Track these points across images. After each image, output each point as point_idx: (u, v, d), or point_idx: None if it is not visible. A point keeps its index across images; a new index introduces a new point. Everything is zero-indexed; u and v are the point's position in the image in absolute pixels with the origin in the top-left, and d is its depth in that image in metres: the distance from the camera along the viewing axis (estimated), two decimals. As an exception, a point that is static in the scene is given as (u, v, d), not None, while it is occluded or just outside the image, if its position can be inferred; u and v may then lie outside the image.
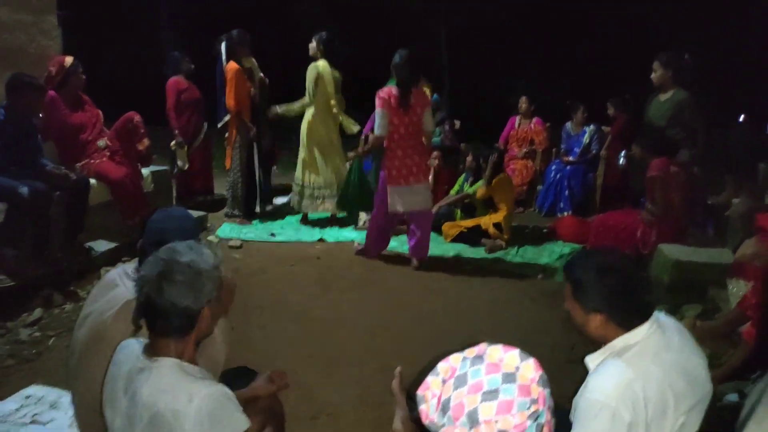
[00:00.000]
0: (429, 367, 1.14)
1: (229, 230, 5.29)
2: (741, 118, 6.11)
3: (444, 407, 1.04)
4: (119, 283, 1.82)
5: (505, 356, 1.07)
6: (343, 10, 13.08)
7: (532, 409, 1.01)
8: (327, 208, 5.54)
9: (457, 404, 1.03)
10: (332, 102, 5.25)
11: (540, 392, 1.03)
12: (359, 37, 6.15)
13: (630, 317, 1.51)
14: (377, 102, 4.25)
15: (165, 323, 1.39)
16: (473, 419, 1.00)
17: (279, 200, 6.69)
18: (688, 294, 3.64)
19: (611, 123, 6.46)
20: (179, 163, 5.68)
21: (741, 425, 1.24)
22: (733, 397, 2.37)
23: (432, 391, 1.09)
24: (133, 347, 1.46)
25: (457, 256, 4.87)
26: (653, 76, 4.67)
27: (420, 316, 3.67)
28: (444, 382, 1.08)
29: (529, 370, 1.05)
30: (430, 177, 6.08)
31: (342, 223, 5.64)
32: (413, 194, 4.40)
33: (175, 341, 1.41)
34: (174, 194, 5.77)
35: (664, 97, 4.65)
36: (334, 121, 5.38)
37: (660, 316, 1.56)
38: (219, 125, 5.76)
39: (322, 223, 5.62)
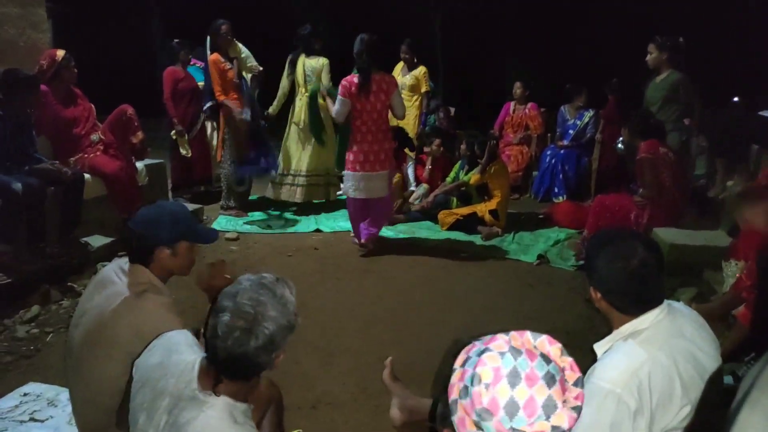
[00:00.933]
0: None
1: (225, 222, 5.29)
2: (734, 100, 6.11)
3: (511, 409, 0.98)
4: (115, 280, 1.81)
5: (523, 339, 1.06)
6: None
7: (572, 378, 1.02)
8: (297, 196, 5.68)
9: (527, 400, 0.98)
10: (302, 90, 5.52)
11: (568, 361, 1.04)
12: (352, 24, 6.12)
13: (628, 306, 1.51)
14: (340, 89, 4.32)
15: (237, 373, 1.34)
16: (550, 407, 0.98)
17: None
18: (684, 277, 3.66)
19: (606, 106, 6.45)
20: (182, 151, 5.70)
21: (736, 408, 1.24)
22: (727, 380, 2.38)
23: (480, 398, 1.00)
24: (186, 361, 1.39)
25: (454, 243, 4.88)
26: (648, 58, 4.77)
27: (417, 305, 3.68)
28: (489, 387, 1.00)
29: (545, 346, 1.05)
30: (428, 164, 6.08)
31: (337, 211, 5.63)
32: (369, 181, 4.41)
33: (237, 384, 1.35)
34: (170, 185, 5.77)
35: (660, 78, 4.78)
36: (307, 108, 5.46)
37: (673, 303, 1.56)
38: (203, 111, 5.78)
39: (317, 213, 5.62)
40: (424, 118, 6.45)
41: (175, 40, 5.91)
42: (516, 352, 1.02)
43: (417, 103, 6.31)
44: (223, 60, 5.20)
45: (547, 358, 1.03)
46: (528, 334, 1.08)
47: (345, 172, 4.50)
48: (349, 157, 4.42)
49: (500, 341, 1.05)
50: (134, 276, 1.81)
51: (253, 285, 1.35)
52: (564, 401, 0.99)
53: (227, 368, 1.32)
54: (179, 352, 1.42)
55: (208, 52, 5.32)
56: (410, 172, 6.13)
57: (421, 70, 6.31)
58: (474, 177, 5.20)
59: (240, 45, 5.50)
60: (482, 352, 1.05)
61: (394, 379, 1.70)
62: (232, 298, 1.32)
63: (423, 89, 6.30)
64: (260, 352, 1.30)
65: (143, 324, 1.69)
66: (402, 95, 6.39)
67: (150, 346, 1.50)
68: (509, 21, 12.48)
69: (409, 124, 6.20)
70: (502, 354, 1.02)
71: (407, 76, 6.29)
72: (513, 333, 1.08)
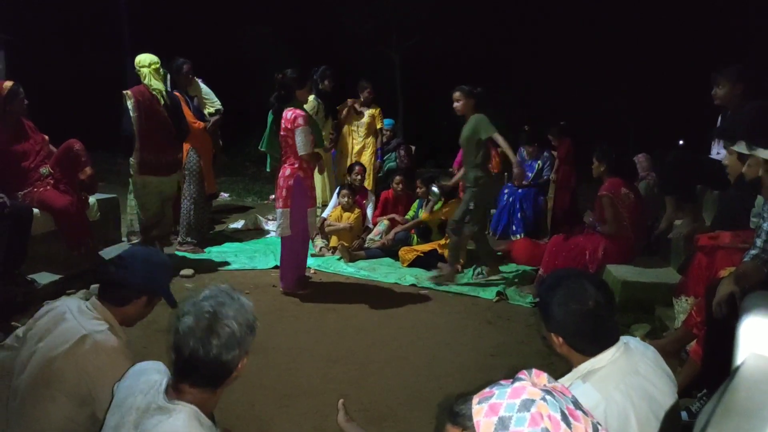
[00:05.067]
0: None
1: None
2: (680, 143, 6.44)
3: None
4: (69, 318, 1.78)
5: (539, 380, 1.09)
6: (297, 36, 13.17)
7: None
8: None
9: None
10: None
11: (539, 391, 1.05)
12: (314, 63, 6.27)
13: (587, 346, 1.54)
14: None
15: (202, 376, 1.38)
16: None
17: (233, 226, 6.59)
18: (637, 313, 3.75)
19: (557, 149, 6.71)
20: None
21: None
22: (682, 416, 2.42)
23: None
24: (154, 379, 1.43)
25: (414, 280, 4.88)
26: (457, 105, 4.71)
27: (377, 342, 3.64)
28: None
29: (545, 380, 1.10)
30: (369, 203, 6.14)
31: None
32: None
33: (202, 392, 1.39)
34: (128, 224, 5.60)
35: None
36: None
37: (630, 341, 1.60)
38: None
39: (277, 250, 5.54)
40: (380, 154, 6.65)
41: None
42: (549, 393, 1.03)
43: (372, 139, 6.61)
44: (184, 98, 5.20)
45: (563, 393, 1.06)
46: (536, 375, 1.09)
47: None
48: None
49: (530, 388, 1.02)
50: (96, 315, 1.79)
51: (212, 291, 1.43)
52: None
53: (192, 371, 1.36)
54: (147, 374, 1.47)
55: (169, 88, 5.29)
56: (369, 210, 6.15)
57: (377, 109, 6.58)
58: (423, 215, 5.31)
59: (201, 84, 5.50)
60: (526, 404, 1.00)
61: (349, 420, 1.69)
62: (192, 303, 1.39)
63: (377, 127, 6.56)
64: (222, 351, 1.35)
65: (89, 364, 1.67)
66: (359, 132, 6.65)
67: (126, 373, 1.54)
68: (466, 62, 12.88)
69: (366, 159, 6.42)
70: (544, 398, 1.01)
71: (365, 114, 6.53)
72: (520, 376, 1.08)
